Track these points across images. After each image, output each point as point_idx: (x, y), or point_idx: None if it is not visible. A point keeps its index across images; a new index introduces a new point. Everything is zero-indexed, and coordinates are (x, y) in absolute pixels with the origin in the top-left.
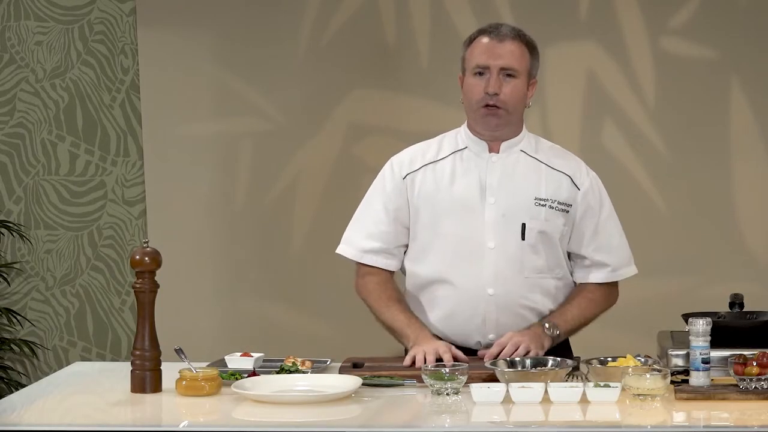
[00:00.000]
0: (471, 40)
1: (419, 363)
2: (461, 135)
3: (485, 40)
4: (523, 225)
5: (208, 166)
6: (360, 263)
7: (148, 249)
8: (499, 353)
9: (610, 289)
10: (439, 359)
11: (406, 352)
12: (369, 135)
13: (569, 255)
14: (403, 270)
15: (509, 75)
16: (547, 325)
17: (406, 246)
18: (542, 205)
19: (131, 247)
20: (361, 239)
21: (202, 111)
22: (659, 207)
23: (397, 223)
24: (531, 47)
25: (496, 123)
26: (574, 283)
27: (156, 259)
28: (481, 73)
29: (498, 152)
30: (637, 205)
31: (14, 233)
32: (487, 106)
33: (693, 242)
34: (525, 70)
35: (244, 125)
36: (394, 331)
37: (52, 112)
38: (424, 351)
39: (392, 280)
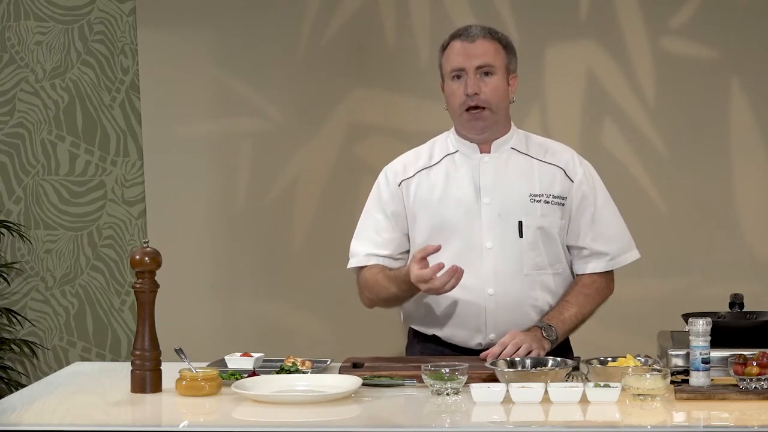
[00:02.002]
0: (444, 47)
1: (425, 274)
2: (450, 139)
3: (457, 43)
4: (520, 223)
5: (208, 166)
6: (361, 267)
7: (148, 249)
8: (501, 353)
9: (608, 279)
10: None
11: (407, 350)
12: (369, 135)
13: (568, 247)
14: None
15: (486, 73)
16: (543, 329)
17: (407, 252)
18: (537, 201)
19: (131, 247)
20: (367, 248)
21: (202, 111)
22: (659, 207)
23: (398, 230)
24: (504, 43)
25: (482, 125)
26: (573, 275)
27: (156, 259)
28: (458, 77)
29: (489, 152)
30: (637, 205)
31: (14, 233)
32: (469, 109)
33: (693, 242)
34: (502, 66)
35: (244, 125)
36: (400, 296)
37: (52, 112)
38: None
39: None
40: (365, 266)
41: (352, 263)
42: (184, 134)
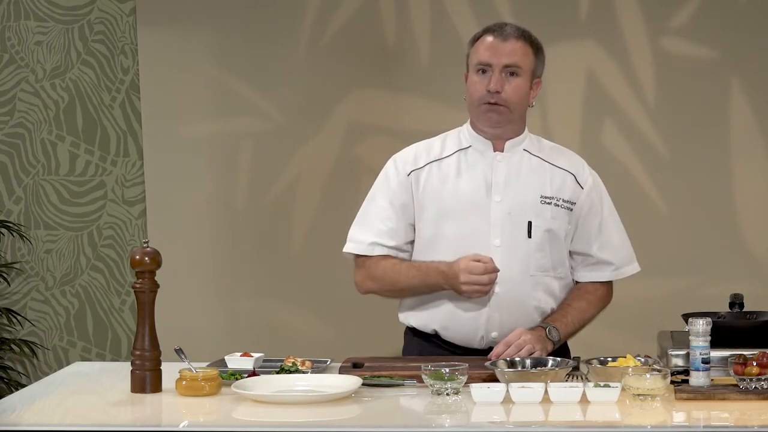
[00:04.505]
0: (476, 39)
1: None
2: (464, 134)
3: (489, 38)
4: (530, 223)
5: (208, 166)
6: (363, 255)
7: (148, 249)
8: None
9: (609, 288)
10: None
11: (404, 350)
12: (369, 135)
13: (572, 254)
14: None
15: (512, 73)
16: (547, 330)
17: (412, 243)
18: (548, 203)
19: (131, 247)
20: (370, 237)
21: (202, 111)
22: (659, 207)
23: (404, 220)
24: (536, 47)
25: (496, 119)
26: (574, 282)
27: (156, 259)
28: (483, 71)
29: (502, 151)
30: (637, 205)
31: (14, 233)
32: (488, 103)
33: (693, 242)
34: (528, 69)
35: (244, 125)
36: (418, 287)
37: (52, 112)
38: (476, 286)
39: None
40: (371, 256)
41: (354, 249)
42: (184, 134)
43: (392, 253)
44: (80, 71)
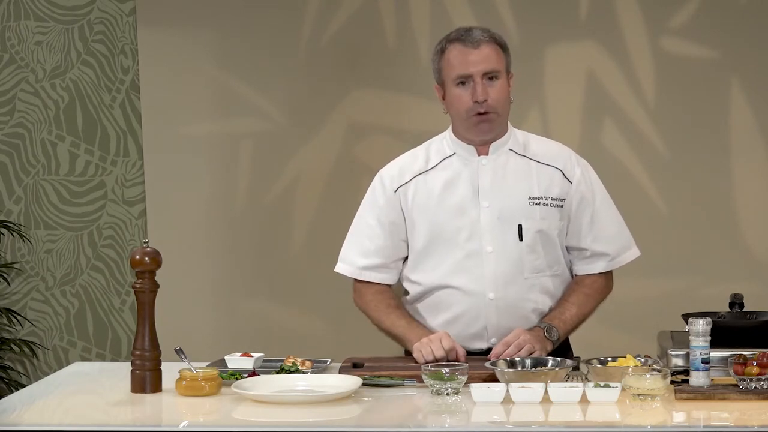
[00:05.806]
0: (442, 50)
1: (426, 356)
2: (447, 141)
3: (459, 48)
4: (520, 226)
5: (208, 166)
6: (357, 280)
7: (148, 249)
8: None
9: (608, 278)
10: (440, 359)
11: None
12: (369, 135)
13: (568, 249)
14: (402, 280)
15: (492, 78)
16: (545, 330)
17: (404, 258)
18: (536, 204)
19: (131, 247)
20: (358, 256)
21: (202, 111)
22: (659, 207)
23: (393, 237)
24: (502, 45)
25: (489, 127)
26: (572, 275)
27: (156, 259)
28: (463, 83)
29: (487, 154)
30: (637, 205)
31: (14, 233)
32: (477, 114)
33: (693, 242)
34: (504, 69)
35: (244, 125)
36: (396, 337)
37: (52, 112)
38: (429, 345)
39: (390, 290)
40: (362, 281)
41: (343, 270)
42: (184, 134)
43: (379, 271)
44: (80, 71)
